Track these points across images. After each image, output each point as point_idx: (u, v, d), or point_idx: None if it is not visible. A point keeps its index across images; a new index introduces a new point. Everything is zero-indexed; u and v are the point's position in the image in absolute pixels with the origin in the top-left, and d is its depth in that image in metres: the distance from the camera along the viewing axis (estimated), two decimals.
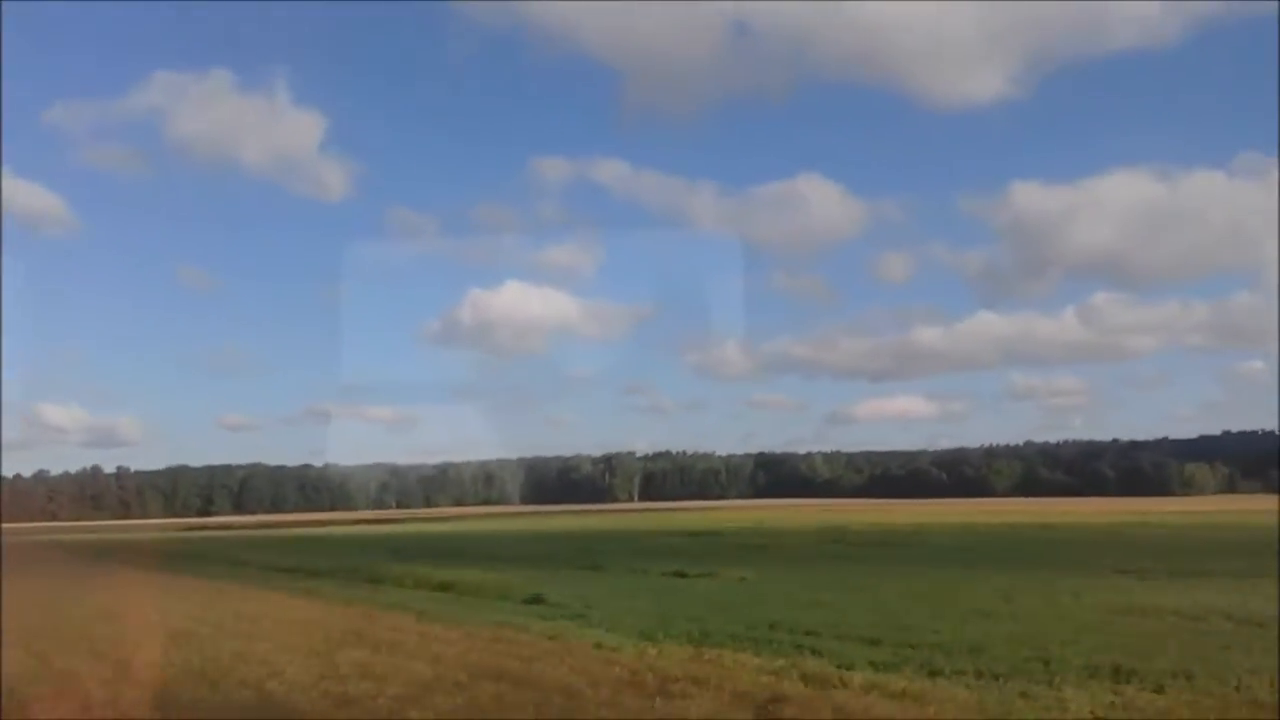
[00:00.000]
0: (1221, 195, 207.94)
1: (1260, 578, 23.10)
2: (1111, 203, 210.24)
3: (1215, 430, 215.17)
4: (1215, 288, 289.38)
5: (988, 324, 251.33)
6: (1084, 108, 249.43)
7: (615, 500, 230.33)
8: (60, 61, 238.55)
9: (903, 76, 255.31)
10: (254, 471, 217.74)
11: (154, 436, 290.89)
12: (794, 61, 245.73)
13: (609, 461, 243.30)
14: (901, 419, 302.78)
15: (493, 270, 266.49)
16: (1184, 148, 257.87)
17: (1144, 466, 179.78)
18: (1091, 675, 12.27)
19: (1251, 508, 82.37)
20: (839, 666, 13.17)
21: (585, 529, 69.62)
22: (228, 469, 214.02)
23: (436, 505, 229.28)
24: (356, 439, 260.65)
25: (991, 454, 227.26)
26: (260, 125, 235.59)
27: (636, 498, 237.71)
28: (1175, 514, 74.80)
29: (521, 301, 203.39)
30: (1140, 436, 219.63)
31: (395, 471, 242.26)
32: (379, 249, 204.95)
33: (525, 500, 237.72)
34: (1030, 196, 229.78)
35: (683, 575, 27.94)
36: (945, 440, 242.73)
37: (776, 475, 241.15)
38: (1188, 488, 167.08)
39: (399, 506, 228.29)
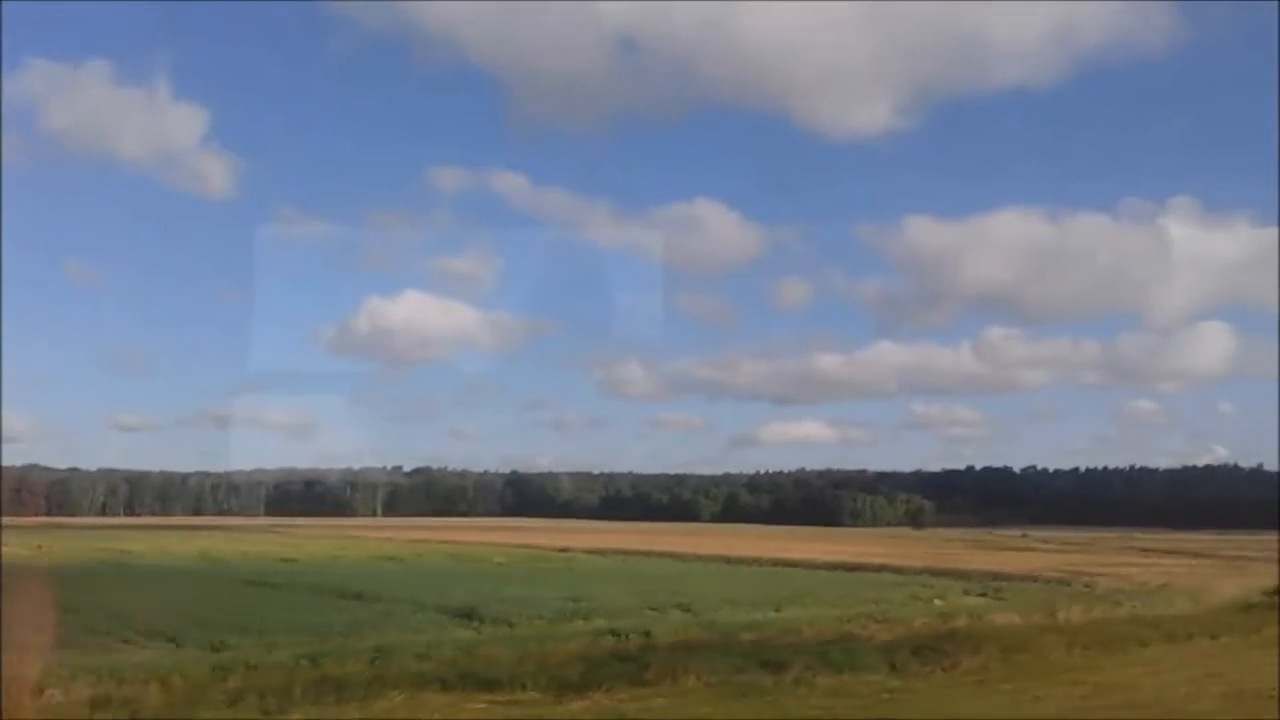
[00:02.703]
0: (1108, 238, 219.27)
1: None
2: (1002, 240, 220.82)
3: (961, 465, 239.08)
4: (1105, 328, 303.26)
5: (887, 353, 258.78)
6: (971, 144, 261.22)
7: (355, 515, 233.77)
8: None
9: (790, 103, 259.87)
10: None
11: (45, 434, 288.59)
12: (683, 82, 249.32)
13: (353, 476, 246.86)
14: (805, 443, 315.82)
15: (389, 278, 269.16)
16: (1070, 189, 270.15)
17: (823, 498, 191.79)
18: None
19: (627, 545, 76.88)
20: None
21: None
22: None
23: (171, 514, 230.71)
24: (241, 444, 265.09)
25: (753, 482, 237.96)
26: (139, 118, 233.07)
27: (380, 513, 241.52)
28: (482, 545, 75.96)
29: (420, 311, 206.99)
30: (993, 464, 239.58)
31: (130, 478, 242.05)
32: (268, 249, 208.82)
33: (270, 512, 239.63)
34: (923, 230, 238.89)
35: None
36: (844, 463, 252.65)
37: (524, 494, 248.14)
38: (856, 519, 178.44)
39: (126, 514, 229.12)
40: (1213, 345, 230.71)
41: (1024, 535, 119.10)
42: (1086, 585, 42.05)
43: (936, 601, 37.85)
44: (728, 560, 56.61)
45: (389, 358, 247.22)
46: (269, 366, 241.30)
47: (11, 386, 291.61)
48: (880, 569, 49.68)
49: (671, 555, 60.47)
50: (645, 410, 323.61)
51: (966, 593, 40.94)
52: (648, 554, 62.80)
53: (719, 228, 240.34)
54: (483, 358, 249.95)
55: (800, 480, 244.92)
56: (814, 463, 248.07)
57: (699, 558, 58.56)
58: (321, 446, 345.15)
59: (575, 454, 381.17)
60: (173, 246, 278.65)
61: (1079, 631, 28.07)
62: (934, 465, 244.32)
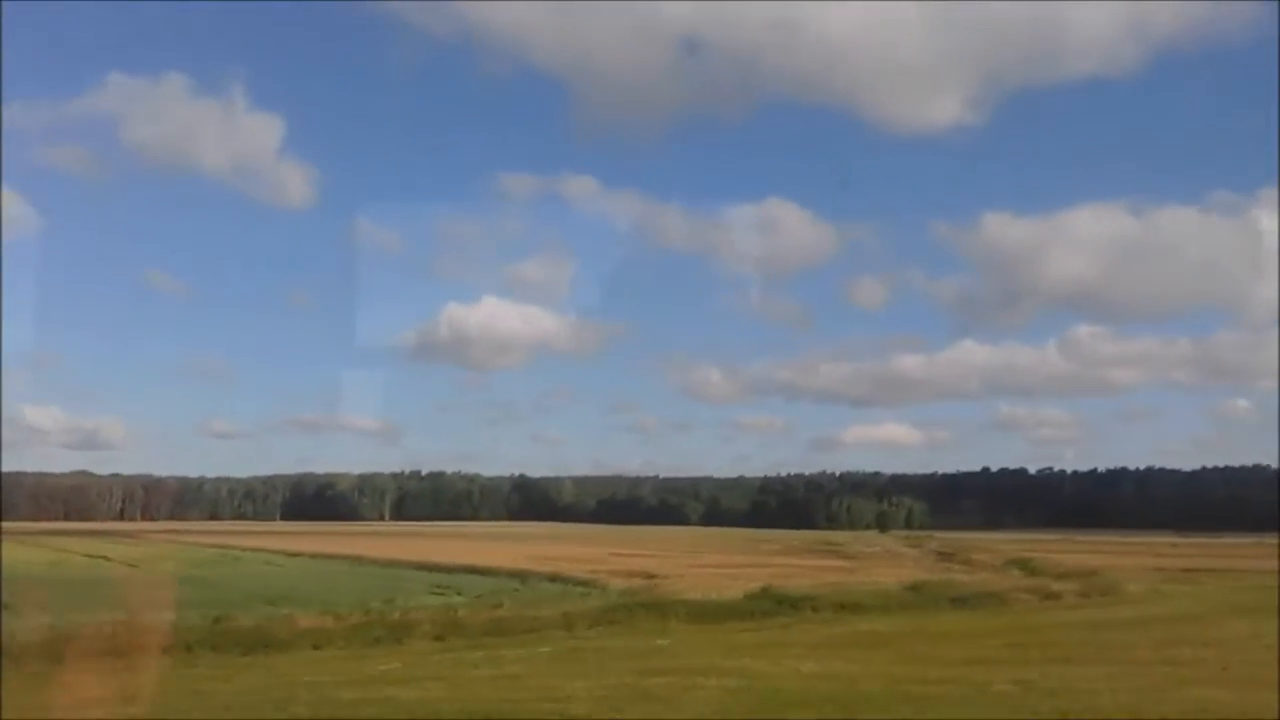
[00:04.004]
0: (1196, 232, 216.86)
1: None
2: (1085, 235, 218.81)
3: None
4: (1196, 324, 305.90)
5: (969, 353, 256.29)
6: (1046, 137, 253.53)
7: (362, 519, 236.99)
8: (12, 59, 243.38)
9: (856, 99, 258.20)
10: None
11: (134, 441, 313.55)
12: (747, 81, 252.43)
13: (364, 482, 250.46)
14: (888, 446, 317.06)
15: (467, 284, 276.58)
16: (1153, 182, 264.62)
17: (805, 501, 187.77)
18: None
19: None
20: None
21: None
22: None
23: (186, 519, 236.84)
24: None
25: (766, 485, 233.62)
26: (217, 129, 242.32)
27: (388, 517, 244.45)
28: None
29: (498, 316, 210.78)
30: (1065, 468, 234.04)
31: (147, 484, 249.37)
32: (346, 258, 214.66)
33: (285, 516, 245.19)
34: (1002, 226, 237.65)
35: None
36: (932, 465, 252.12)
37: (529, 498, 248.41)
38: (831, 523, 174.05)
39: (143, 519, 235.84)
40: None
41: (927, 540, 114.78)
42: (600, 587, 39.82)
43: (397, 599, 36.06)
44: (379, 564, 55.92)
45: (468, 363, 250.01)
46: (351, 372, 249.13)
47: (99, 395, 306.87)
48: (486, 571, 47.95)
49: (331, 556, 60.17)
50: (725, 413, 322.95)
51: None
52: (333, 556, 62.71)
53: (791, 227, 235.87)
54: (562, 362, 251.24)
55: (813, 483, 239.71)
56: (896, 466, 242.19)
57: (358, 559, 58.12)
58: (403, 450, 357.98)
59: (659, 458, 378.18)
60: (251, 255, 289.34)
61: (326, 631, 27.00)
62: (999, 466, 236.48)
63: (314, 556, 64.14)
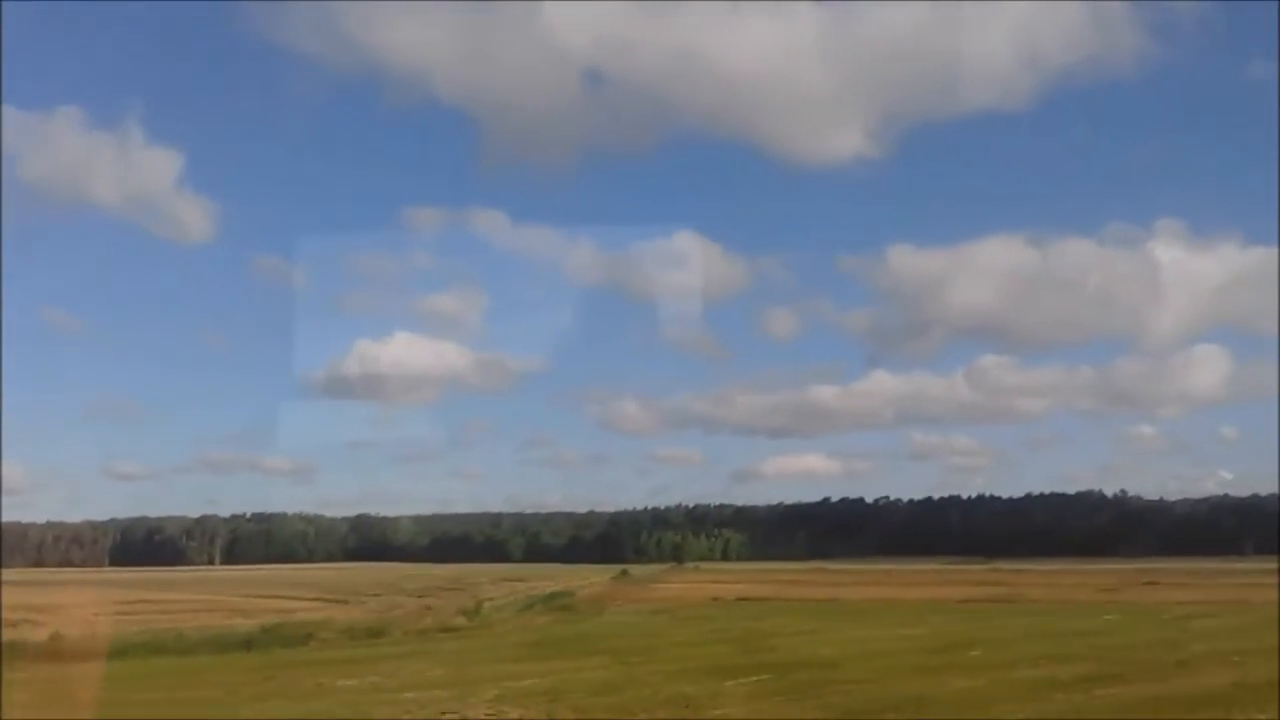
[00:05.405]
0: (1095, 263, 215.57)
1: None
2: (988, 267, 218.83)
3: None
4: (1097, 353, 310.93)
5: (882, 383, 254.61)
6: (946, 169, 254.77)
7: (191, 563, 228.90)
8: None
9: (760, 132, 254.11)
10: None
11: (34, 486, 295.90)
12: (652, 113, 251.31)
13: (192, 525, 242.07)
14: (807, 477, 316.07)
15: (376, 320, 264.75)
16: (1051, 214, 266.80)
17: (615, 535, 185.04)
18: None
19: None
20: None
21: None
22: None
23: (12, 566, 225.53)
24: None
25: (615, 519, 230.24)
26: (113, 164, 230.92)
27: (218, 562, 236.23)
28: None
29: (409, 352, 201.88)
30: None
31: None
32: (250, 293, 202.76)
33: (114, 563, 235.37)
34: (906, 258, 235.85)
35: None
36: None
37: (367, 538, 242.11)
38: (640, 556, 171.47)
39: None
40: (1209, 369, 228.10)
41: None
42: None
43: None
44: None
45: (380, 399, 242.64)
46: (257, 411, 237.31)
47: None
48: None
49: None
50: (643, 445, 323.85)
51: None
52: None
53: (702, 260, 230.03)
54: (476, 397, 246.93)
55: (660, 516, 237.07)
56: (804, 496, 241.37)
57: None
58: (320, 491, 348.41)
59: (574, 492, 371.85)
60: (151, 292, 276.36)
61: None
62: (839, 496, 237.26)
63: None
